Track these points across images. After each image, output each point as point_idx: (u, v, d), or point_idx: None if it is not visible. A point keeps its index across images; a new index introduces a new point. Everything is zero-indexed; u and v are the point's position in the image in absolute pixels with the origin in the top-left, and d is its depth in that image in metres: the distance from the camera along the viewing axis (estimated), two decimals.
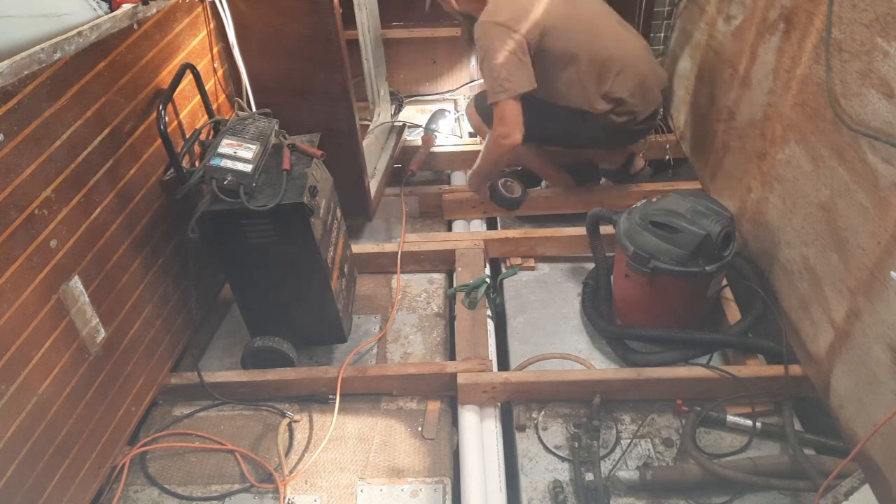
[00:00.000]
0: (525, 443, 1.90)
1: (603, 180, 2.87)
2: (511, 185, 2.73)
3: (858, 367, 1.66)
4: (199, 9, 2.13)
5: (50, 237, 1.52)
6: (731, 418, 1.89)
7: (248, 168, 1.81)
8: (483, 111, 2.63)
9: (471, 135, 3.32)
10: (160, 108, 1.80)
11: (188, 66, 1.98)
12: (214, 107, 2.18)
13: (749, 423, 1.87)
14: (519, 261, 2.58)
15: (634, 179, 2.82)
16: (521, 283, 2.50)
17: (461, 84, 3.58)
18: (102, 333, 1.71)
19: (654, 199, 2.09)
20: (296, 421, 2.00)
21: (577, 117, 2.51)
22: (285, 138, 2.00)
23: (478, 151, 3.03)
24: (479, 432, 1.92)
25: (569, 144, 2.74)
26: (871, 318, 1.60)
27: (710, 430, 1.90)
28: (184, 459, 1.92)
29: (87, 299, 1.65)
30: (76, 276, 1.61)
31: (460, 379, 1.96)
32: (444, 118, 3.32)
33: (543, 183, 2.94)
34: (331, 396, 2.02)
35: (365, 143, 2.76)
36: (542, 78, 2.37)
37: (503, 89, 2.28)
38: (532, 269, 2.56)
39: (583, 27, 2.38)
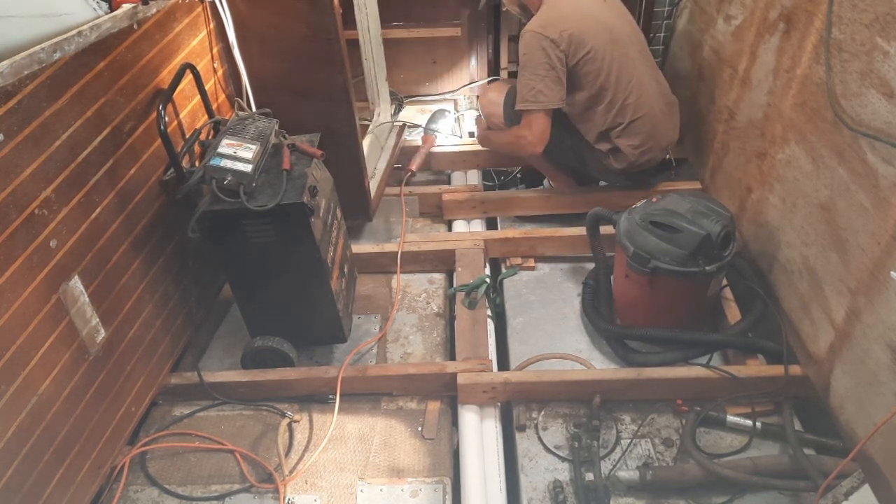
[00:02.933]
0: (525, 443, 1.90)
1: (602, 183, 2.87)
2: None
3: (858, 367, 1.66)
4: (199, 9, 2.13)
5: (50, 237, 1.52)
6: (731, 418, 1.89)
7: (247, 168, 1.80)
8: (509, 110, 2.63)
9: (471, 135, 3.32)
10: (160, 108, 1.80)
11: (188, 66, 1.98)
12: (214, 107, 2.18)
13: (749, 423, 1.87)
14: (519, 261, 2.58)
15: None
16: (521, 283, 2.50)
17: (461, 84, 3.58)
18: (102, 333, 1.71)
19: (654, 200, 2.09)
20: (296, 421, 2.00)
21: (577, 139, 2.55)
22: (285, 138, 2.00)
23: (476, 152, 3.06)
24: (479, 432, 1.92)
25: (549, 153, 2.71)
26: (871, 318, 1.60)
27: (710, 430, 1.90)
28: (184, 459, 1.92)
29: (87, 299, 1.65)
30: (76, 276, 1.61)
31: (460, 379, 1.96)
32: (444, 118, 3.32)
33: (545, 182, 2.95)
34: (331, 396, 2.02)
35: (365, 143, 2.76)
36: (578, 89, 2.43)
37: (537, 101, 2.36)
38: (532, 269, 2.56)
39: (618, 67, 2.38)
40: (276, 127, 2.00)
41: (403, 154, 3.07)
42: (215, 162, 1.80)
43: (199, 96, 2.09)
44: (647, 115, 2.43)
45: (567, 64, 2.34)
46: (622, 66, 2.39)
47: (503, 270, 2.57)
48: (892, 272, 1.51)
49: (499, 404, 2.02)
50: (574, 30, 2.32)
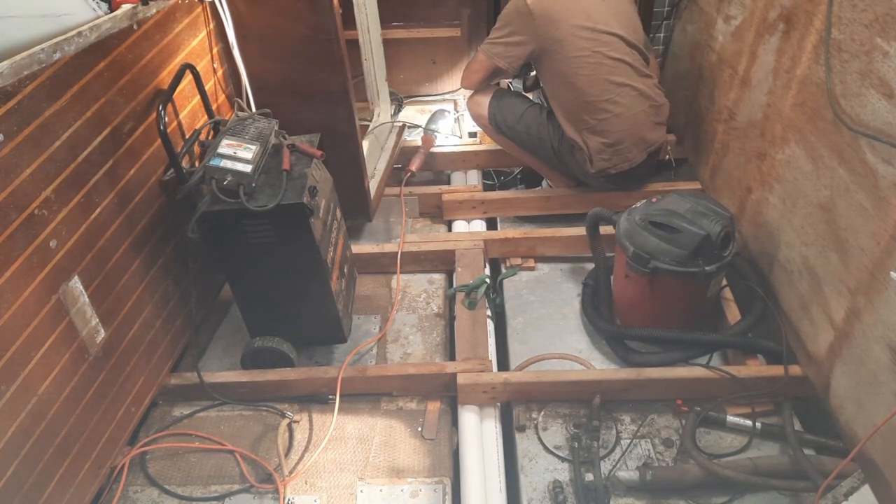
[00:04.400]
0: (525, 443, 1.90)
1: None
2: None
3: (858, 367, 1.66)
4: (199, 9, 2.13)
5: (50, 237, 1.52)
6: (730, 418, 1.89)
7: (247, 168, 1.80)
8: (494, 112, 2.71)
9: (471, 135, 3.32)
10: (160, 108, 1.80)
11: (188, 67, 1.98)
12: (214, 107, 2.17)
13: (749, 423, 1.87)
14: (519, 261, 2.58)
15: None
16: (520, 284, 2.50)
17: (461, 85, 3.59)
18: (102, 334, 1.71)
19: (653, 200, 2.09)
20: (296, 421, 2.00)
21: (557, 139, 2.60)
22: (285, 138, 2.00)
23: (476, 152, 3.07)
24: (479, 432, 1.92)
25: (535, 154, 2.77)
26: (871, 318, 1.60)
27: (709, 431, 1.90)
28: (184, 460, 1.92)
29: (87, 299, 1.65)
30: (76, 277, 1.61)
31: (460, 379, 1.96)
32: (443, 118, 3.32)
33: (544, 182, 2.95)
34: (331, 396, 2.02)
35: (365, 143, 2.76)
36: (551, 74, 2.51)
37: (490, 52, 2.54)
38: (532, 269, 2.56)
39: (590, 64, 2.39)
40: (276, 127, 2.00)
41: (403, 154, 3.07)
42: (215, 162, 1.80)
43: (198, 96, 2.09)
44: (622, 116, 2.43)
45: (537, 38, 2.41)
46: (598, 65, 2.39)
47: (503, 271, 2.57)
48: (891, 272, 1.51)
49: (499, 404, 2.02)
50: (552, 11, 2.38)
